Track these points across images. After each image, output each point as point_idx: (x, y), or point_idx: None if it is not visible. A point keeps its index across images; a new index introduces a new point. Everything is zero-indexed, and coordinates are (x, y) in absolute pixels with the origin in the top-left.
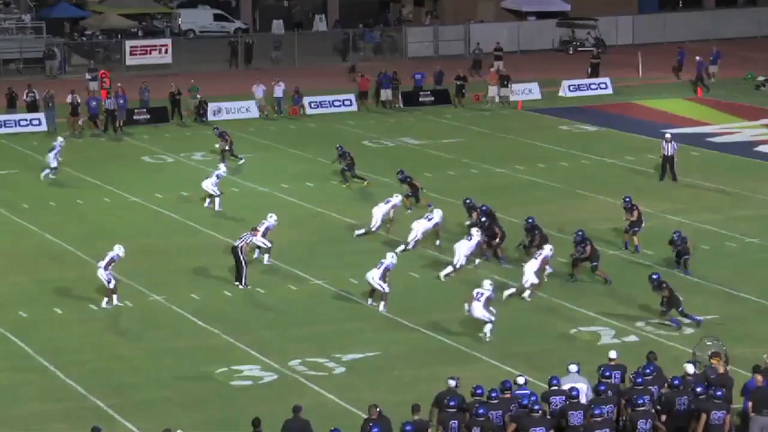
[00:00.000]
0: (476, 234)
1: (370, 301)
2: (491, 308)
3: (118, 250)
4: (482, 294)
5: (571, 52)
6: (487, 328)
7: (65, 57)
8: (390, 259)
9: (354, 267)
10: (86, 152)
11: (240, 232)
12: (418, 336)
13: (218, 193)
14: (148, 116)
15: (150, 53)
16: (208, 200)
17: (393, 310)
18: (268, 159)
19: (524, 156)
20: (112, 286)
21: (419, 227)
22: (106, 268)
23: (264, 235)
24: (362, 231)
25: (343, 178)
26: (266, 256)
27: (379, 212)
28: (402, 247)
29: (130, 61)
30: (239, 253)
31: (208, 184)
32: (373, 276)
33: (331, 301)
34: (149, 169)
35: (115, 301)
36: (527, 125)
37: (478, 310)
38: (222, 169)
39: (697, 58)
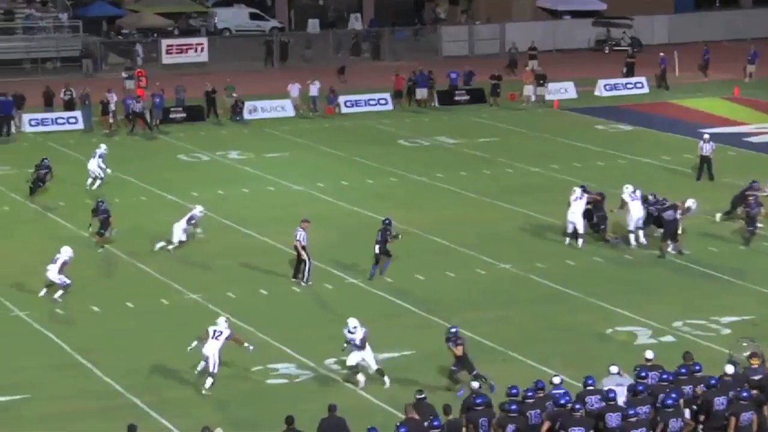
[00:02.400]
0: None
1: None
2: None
3: (69, 252)
4: (221, 333)
5: (606, 52)
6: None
7: (102, 56)
8: None
9: (390, 266)
10: (122, 150)
11: (276, 230)
12: None
13: (101, 175)
14: (184, 115)
15: (186, 52)
16: (90, 181)
17: (427, 309)
18: (303, 158)
19: (559, 155)
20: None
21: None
22: (60, 271)
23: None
24: (163, 244)
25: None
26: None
27: (177, 228)
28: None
29: (166, 60)
30: (300, 249)
31: (94, 165)
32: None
33: (366, 300)
34: (185, 167)
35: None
36: (563, 124)
37: (214, 348)
38: (103, 148)
39: (661, 54)
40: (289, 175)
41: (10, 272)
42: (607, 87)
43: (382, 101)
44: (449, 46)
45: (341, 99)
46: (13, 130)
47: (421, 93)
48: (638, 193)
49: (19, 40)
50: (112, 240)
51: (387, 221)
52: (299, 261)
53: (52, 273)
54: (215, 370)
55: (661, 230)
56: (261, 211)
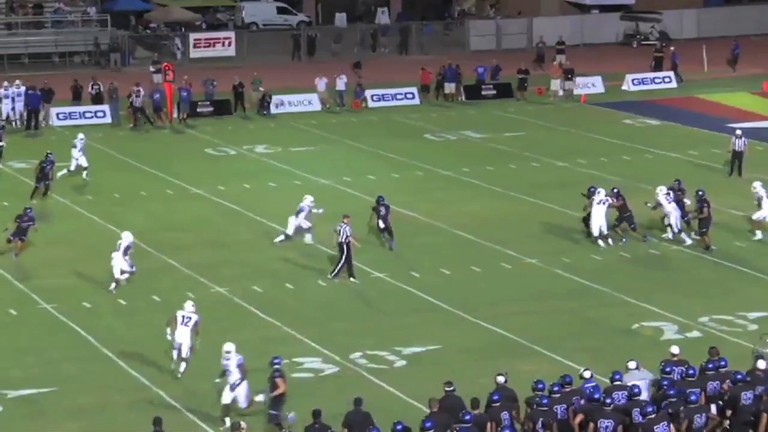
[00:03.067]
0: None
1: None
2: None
3: (130, 237)
4: (189, 318)
5: (634, 46)
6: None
7: (129, 49)
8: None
9: (415, 260)
10: (149, 144)
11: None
12: (480, 329)
13: (84, 164)
14: (211, 109)
15: (213, 46)
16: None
17: (453, 304)
18: (330, 152)
19: (587, 150)
20: (123, 276)
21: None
22: (125, 254)
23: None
24: (282, 237)
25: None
26: (308, 236)
27: (292, 221)
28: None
29: (193, 53)
30: (345, 248)
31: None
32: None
33: (392, 294)
34: (212, 161)
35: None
36: (590, 119)
37: (185, 335)
38: (80, 137)
39: (671, 48)
40: (315, 169)
41: (36, 265)
42: (635, 81)
43: (409, 95)
44: (477, 40)
45: (368, 93)
46: (41, 123)
47: (449, 87)
48: (672, 194)
49: (48, 35)
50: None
51: (381, 198)
52: (348, 258)
53: (118, 260)
54: (188, 356)
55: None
56: (287, 205)
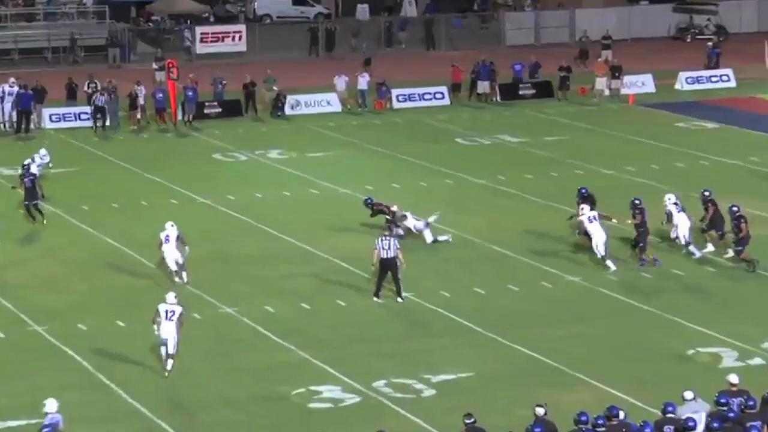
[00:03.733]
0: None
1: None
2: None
3: (174, 226)
4: (173, 312)
5: (688, 41)
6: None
7: (130, 45)
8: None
9: (446, 278)
10: (151, 149)
11: (320, 237)
12: (516, 355)
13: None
14: (220, 110)
15: (222, 40)
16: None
17: (487, 327)
18: (350, 157)
19: (635, 156)
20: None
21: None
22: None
23: None
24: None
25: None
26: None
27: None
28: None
29: (200, 49)
30: (396, 263)
31: (35, 168)
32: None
33: (419, 316)
34: (220, 167)
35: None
36: (639, 121)
37: (171, 331)
38: (42, 153)
39: (709, 44)
40: (334, 176)
41: (26, 282)
42: (689, 80)
43: (438, 95)
44: (513, 34)
45: (393, 93)
46: (32, 125)
47: (483, 86)
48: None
49: (40, 27)
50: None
51: (368, 200)
52: (395, 277)
53: (170, 251)
54: (175, 351)
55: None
56: (303, 215)
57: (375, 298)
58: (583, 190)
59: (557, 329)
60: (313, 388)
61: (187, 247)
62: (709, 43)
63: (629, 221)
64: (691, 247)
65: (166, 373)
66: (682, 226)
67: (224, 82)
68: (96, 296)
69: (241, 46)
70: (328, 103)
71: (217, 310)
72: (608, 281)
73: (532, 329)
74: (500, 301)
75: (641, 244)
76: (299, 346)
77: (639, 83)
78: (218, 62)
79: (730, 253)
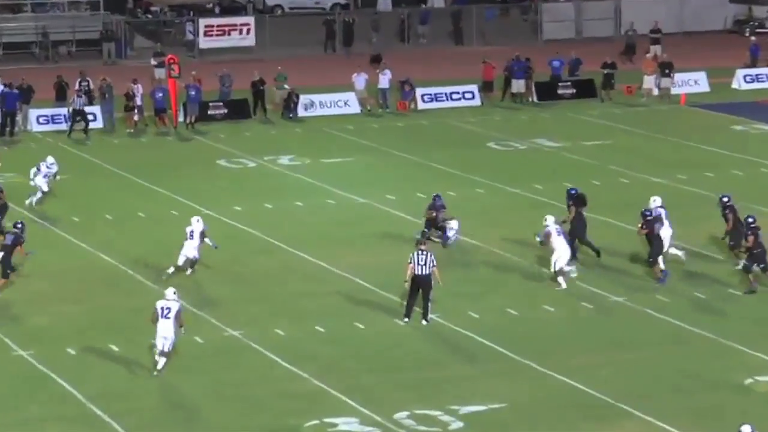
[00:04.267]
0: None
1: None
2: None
3: (201, 221)
4: (169, 309)
5: (747, 35)
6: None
7: (126, 39)
8: None
9: (475, 297)
10: (150, 154)
11: (336, 253)
12: (554, 384)
13: (44, 188)
14: (225, 111)
15: (228, 34)
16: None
17: (521, 352)
18: (370, 164)
19: (688, 162)
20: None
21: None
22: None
23: None
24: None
25: None
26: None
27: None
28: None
29: (204, 43)
30: (431, 281)
31: (40, 179)
32: None
33: (446, 340)
34: (226, 175)
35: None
36: (692, 124)
37: (167, 329)
38: (49, 161)
39: (752, 38)
40: (352, 185)
41: (10, 302)
42: (748, 78)
43: (468, 95)
44: (551, 27)
45: (418, 92)
46: (17, 128)
47: (518, 85)
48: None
49: (28, 20)
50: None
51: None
52: (425, 297)
53: (189, 249)
54: (169, 350)
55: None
56: (318, 229)
57: (405, 319)
58: (573, 191)
59: (599, 356)
60: (328, 420)
61: (210, 242)
62: (753, 38)
63: (641, 230)
64: (673, 250)
65: (156, 372)
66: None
67: (230, 79)
68: (87, 317)
69: (250, 40)
70: (346, 103)
71: (222, 333)
72: (656, 302)
73: (572, 356)
74: (535, 323)
75: (651, 259)
76: (312, 374)
77: (691, 82)
78: (224, 58)
79: (741, 265)
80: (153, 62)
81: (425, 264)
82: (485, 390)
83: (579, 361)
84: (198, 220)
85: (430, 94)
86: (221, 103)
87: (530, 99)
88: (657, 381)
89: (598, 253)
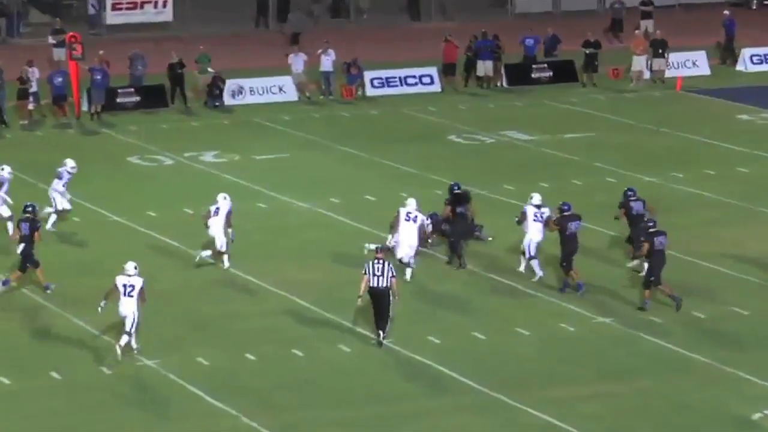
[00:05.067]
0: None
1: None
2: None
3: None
4: (134, 287)
5: (754, 7)
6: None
7: (19, 13)
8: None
9: (435, 318)
10: (47, 150)
11: (271, 267)
12: (528, 421)
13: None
14: (138, 98)
15: (141, 7)
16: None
17: (490, 383)
18: (310, 161)
19: (686, 158)
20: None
21: None
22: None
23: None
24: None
25: None
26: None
27: None
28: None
29: (111, 18)
30: (390, 296)
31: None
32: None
33: (401, 369)
34: (138, 175)
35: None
36: (690, 113)
37: (129, 307)
38: (6, 171)
39: (725, 12)
40: (289, 186)
41: None
42: (755, 59)
43: (426, 79)
44: (525, 0)
45: (367, 76)
46: None
47: (484, 67)
48: (546, 210)
49: None
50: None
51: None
52: (383, 313)
53: (217, 228)
54: (133, 329)
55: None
56: (248, 238)
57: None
58: (455, 186)
59: (583, 387)
60: None
61: (231, 230)
62: (726, 12)
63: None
64: (534, 263)
65: (119, 349)
66: (534, 237)
67: (143, 61)
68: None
69: (166, 15)
70: (281, 89)
71: (134, 364)
72: (649, 324)
73: (551, 387)
74: (507, 349)
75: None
76: (242, 411)
77: (689, 63)
78: (135, 36)
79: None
80: (51, 41)
81: (383, 275)
82: (448, 428)
83: (558, 393)
84: (225, 198)
85: (381, 79)
86: (132, 90)
87: (499, 84)
88: (649, 416)
89: (461, 265)
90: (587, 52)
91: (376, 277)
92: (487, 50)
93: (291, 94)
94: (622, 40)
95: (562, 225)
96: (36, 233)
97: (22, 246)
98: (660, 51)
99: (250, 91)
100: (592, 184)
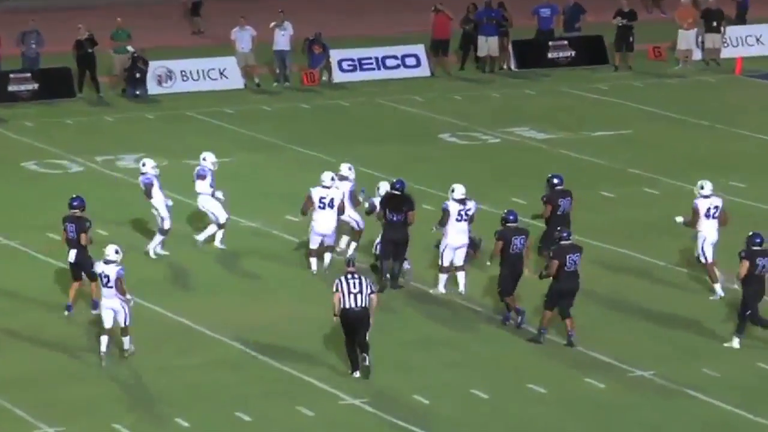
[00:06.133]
0: None
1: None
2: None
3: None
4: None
5: None
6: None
7: None
8: None
9: (418, 371)
10: None
11: (208, 303)
12: None
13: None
14: (35, 86)
15: None
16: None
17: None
18: (260, 167)
19: (747, 162)
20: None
21: None
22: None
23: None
24: None
25: None
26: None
27: None
28: None
29: None
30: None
31: (160, 201)
32: None
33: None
34: (36, 185)
35: None
36: (752, 104)
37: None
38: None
39: None
40: (233, 200)
41: None
42: None
43: (409, 60)
44: None
45: (335, 56)
46: None
47: (487, 45)
48: (472, 205)
49: None
50: None
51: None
52: (362, 340)
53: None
54: (128, 324)
55: None
56: (180, 267)
57: (355, 373)
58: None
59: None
60: None
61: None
62: None
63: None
64: (460, 276)
65: (103, 362)
66: (455, 239)
67: (39, 37)
68: None
69: None
70: (222, 73)
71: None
72: (701, 377)
73: None
74: (516, 412)
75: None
76: None
77: (751, 39)
78: (29, 4)
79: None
80: None
81: (360, 292)
82: None
83: None
84: (337, 187)
85: (353, 60)
86: (28, 75)
87: (506, 66)
88: None
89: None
90: (620, 24)
91: (351, 296)
92: (491, 23)
93: (235, 80)
94: (666, 9)
95: (504, 240)
96: (83, 235)
97: (73, 253)
98: (714, 24)
99: (182, 75)
100: (627, 197)
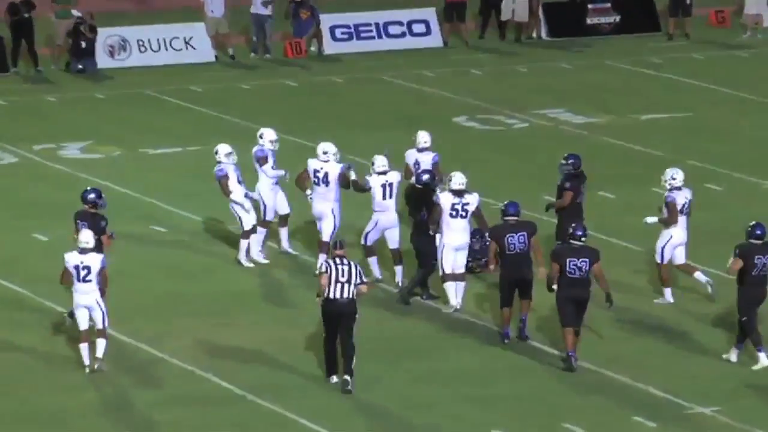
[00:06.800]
0: None
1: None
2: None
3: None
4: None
5: None
6: None
7: None
8: None
9: (429, 405)
10: None
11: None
12: None
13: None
14: None
15: None
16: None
17: None
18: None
19: None
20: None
21: None
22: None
23: None
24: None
25: None
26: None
27: None
28: None
29: None
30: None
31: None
32: None
33: None
34: None
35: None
36: None
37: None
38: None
39: None
40: (201, 198)
41: None
42: None
43: (418, 28)
44: None
45: (326, 22)
46: None
47: (512, 8)
48: (472, 199)
49: None
50: None
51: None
52: (345, 342)
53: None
54: (106, 325)
55: None
56: (136, 281)
57: (332, 378)
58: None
59: None
60: None
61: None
62: None
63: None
64: (454, 288)
65: (87, 368)
66: (453, 238)
67: None
68: None
69: None
70: (188, 43)
71: None
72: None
73: None
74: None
75: None
76: None
77: None
78: None
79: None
80: None
81: (348, 281)
82: None
83: None
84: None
85: (348, 27)
86: None
87: (536, 34)
88: None
89: None
90: None
91: (338, 285)
92: None
93: (205, 52)
94: None
95: (498, 238)
96: (103, 237)
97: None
98: None
99: (139, 46)
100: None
